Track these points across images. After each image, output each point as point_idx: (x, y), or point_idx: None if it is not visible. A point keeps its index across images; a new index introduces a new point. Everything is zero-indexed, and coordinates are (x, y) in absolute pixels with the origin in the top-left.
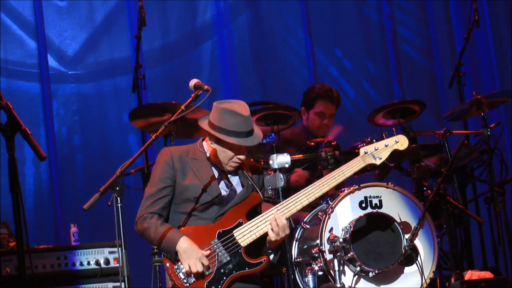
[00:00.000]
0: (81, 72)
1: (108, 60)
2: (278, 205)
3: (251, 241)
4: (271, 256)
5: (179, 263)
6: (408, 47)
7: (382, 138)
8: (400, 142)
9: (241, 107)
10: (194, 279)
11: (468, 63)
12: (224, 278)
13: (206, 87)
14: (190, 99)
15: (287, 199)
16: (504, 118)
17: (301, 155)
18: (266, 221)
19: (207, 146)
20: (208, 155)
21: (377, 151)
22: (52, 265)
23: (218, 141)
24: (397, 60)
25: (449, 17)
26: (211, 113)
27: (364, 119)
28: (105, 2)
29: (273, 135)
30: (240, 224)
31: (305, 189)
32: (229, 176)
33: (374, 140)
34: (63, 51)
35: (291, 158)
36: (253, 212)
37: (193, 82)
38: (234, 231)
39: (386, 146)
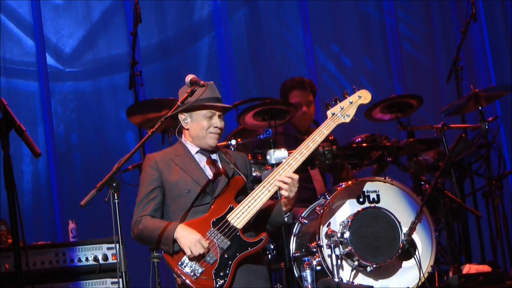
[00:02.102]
0: (78, 69)
1: (105, 58)
2: (264, 181)
3: (246, 221)
4: (286, 218)
5: (182, 258)
6: (406, 43)
7: (345, 98)
8: (363, 96)
9: (204, 81)
10: (201, 270)
11: (464, 58)
12: (230, 262)
13: (202, 82)
14: (186, 94)
15: (271, 174)
16: (500, 113)
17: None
18: (255, 200)
19: (186, 137)
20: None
21: (344, 110)
22: (51, 262)
23: (191, 114)
24: (396, 56)
25: (447, 12)
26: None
27: (361, 114)
28: None
29: (270, 130)
30: (231, 209)
31: (285, 160)
32: (213, 160)
33: (338, 101)
34: (60, 49)
35: (288, 153)
36: (241, 195)
37: (189, 77)
38: (227, 216)
39: (351, 103)
